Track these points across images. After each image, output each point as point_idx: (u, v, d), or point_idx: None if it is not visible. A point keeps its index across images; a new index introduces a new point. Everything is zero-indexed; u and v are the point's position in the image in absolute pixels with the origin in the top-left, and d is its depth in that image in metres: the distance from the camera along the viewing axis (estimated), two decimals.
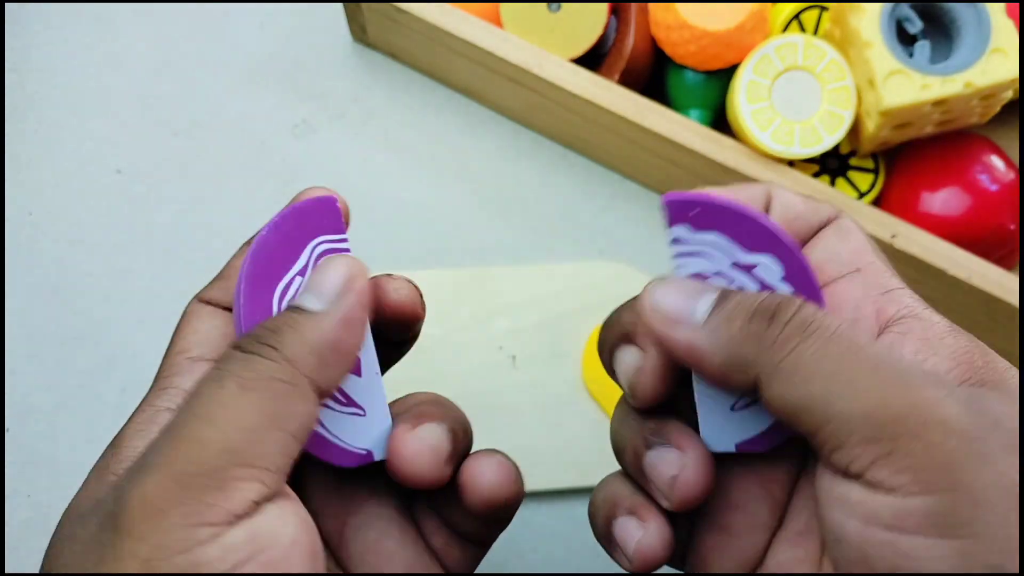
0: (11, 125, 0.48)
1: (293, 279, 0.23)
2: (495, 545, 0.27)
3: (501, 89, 0.46)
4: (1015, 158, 0.44)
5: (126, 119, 0.49)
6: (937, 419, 0.19)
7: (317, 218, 0.24)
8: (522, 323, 0.43)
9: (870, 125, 0.42)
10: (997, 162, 0.43)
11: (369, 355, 0.24)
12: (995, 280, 0.39)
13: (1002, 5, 0.41)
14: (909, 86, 0.40)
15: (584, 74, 0.43)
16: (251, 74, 0.50)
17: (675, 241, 0.23)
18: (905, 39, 0.42)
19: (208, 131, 0.48)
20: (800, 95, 0.42)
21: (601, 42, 0.45)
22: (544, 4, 0.44)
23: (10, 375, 0.43)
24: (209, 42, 0.50)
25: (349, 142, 0.48)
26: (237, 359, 0.21)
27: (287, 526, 0.20)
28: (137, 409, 0.23)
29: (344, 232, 0.25)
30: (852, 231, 0.25)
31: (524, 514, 0.40)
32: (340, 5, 0.50)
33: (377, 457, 0.23)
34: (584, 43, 0.44)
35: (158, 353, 0.24)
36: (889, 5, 0.41)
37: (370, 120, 0.49)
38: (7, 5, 0.51)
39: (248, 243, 0.25)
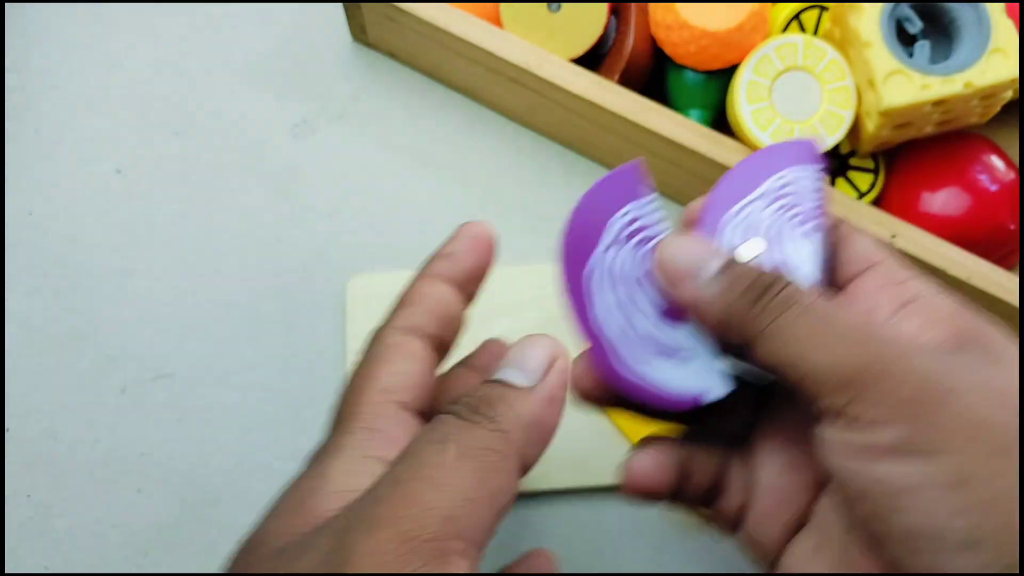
0: (11, 125, 0.48)
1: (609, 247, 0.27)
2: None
3: (501, 89, 0.46)
4: (1015, 158, 0.44)
5: (126, 119, 0.49)
6: (901, 366, 0.22)
7: (622, 187, 0.27)
8: (522, 323, 0.43)
9: (870, 125, 0.42)
10: (997, 162, 0.43)
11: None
12: (995, 280, 0.39)
13: (1002, 5, 0.41)
14: (909, 86, 0.40)
15: (584, 74, 0.43)
16: (251, 74, 0.50)
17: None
18: (905, 39, 0.42)
19: (208, 131, 0.48)
20: (800, 95, 0.42)
21: (601, 42, 0.45)
22: (544, 4, 0.44)
23: (10, 375, 0.43)
24: (209, 42, 0.50)
25: (349, 142, 0.48)
26: (455, 425, 0.22)
27: None
28: (338, 444, 0.23)
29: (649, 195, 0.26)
30: (853, 234, 0.27)
31: (524, 514, 0.40)
32: (340, 5, 0.50)
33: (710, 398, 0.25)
34: (584, 43, 0.44)
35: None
36: (889, 5, 0.41)
37: (370, 120, 0.49)
38: (7, 5, 0.51)
39: (424, 269, 0.28)
